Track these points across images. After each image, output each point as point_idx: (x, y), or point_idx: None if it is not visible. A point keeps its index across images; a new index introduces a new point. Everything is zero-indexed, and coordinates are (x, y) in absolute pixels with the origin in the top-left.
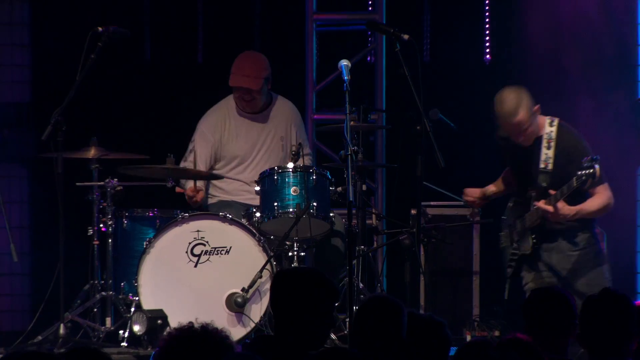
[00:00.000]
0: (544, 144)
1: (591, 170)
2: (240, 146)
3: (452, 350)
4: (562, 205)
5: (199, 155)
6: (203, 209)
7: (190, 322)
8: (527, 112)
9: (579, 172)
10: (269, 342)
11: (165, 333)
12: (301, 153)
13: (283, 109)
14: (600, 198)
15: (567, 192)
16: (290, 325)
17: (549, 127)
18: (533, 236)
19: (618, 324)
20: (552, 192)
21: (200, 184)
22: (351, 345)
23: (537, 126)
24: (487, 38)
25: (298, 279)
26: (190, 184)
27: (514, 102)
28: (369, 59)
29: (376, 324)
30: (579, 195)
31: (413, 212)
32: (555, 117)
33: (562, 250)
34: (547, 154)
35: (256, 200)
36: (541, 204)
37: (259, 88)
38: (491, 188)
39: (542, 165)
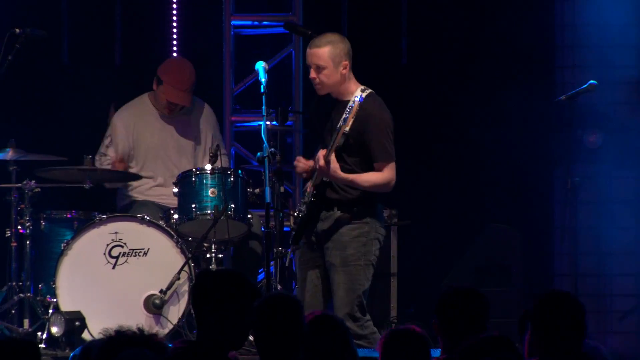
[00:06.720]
0: (348, 106)
1: None
2: (152, 142)
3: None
4: (334, 163)
5: (115, 149)
6: (119, 210)
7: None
8: (331, 52)
9: None
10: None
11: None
12: (219, 154)
13: (197, 108)
14: (381, 175)
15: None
16: (212, 325)
17: (358, 92)
18: (313, 199)
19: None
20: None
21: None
22: (256, 343)
23: (347, 88)
24: (404, 39)
25: (219, 278)
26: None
27: (328, 38)
28: (286, 61)
29: (276, 321)
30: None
31: None
32: (370, 89)
33: (335, 221)
34: (346, 116)
35: (169, 199)
36: (320, 153)
37: (190, 105)
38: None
39: (339, 125)
